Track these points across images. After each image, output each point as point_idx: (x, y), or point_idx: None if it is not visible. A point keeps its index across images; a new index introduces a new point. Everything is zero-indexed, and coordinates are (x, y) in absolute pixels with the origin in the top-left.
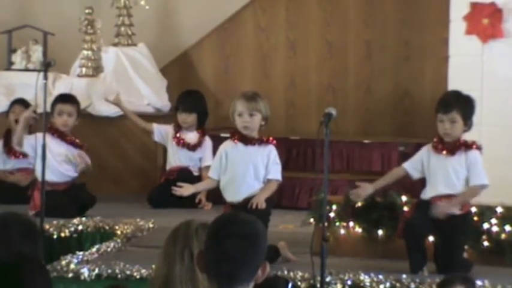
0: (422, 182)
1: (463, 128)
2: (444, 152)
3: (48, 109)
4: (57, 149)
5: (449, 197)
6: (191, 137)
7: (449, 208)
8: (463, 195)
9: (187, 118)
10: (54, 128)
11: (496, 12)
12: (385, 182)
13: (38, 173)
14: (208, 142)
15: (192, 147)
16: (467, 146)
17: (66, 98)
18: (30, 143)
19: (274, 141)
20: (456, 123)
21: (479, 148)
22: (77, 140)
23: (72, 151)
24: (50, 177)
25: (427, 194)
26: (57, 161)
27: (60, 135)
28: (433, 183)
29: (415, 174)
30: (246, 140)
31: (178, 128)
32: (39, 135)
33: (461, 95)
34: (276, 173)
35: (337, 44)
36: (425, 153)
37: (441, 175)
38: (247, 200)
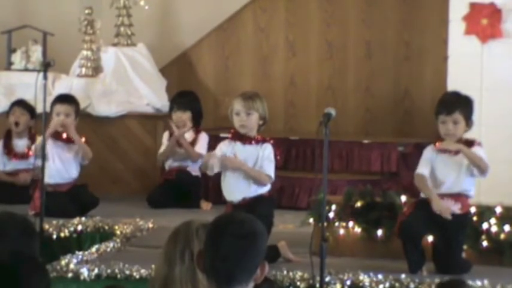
0: None
1: (464, 128)
2: (447, 152)
3: (48, 109)
4: (54, 150)
5: (452, 196)
6: (186, 136)
7: (455, 146)
8: (471, 151)
9: (182, 116)
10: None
11: (495, 13)
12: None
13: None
14: (203, 135)
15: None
16: (469, 143)
17: (64, 98)
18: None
19: (272, 141)
20: (459, 124)
21: (480, 145)
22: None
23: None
24: (50, 179)
25: None
26: (55, 163)
27: (55, 136)
28: (436, 183)
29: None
30: (244, 139)
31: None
32: (40, 138)
33: (461, 95)
34: (267, 168)
35: (337, 44)
36: (430, 153)
37: (445, 174)
38: (246, 200)
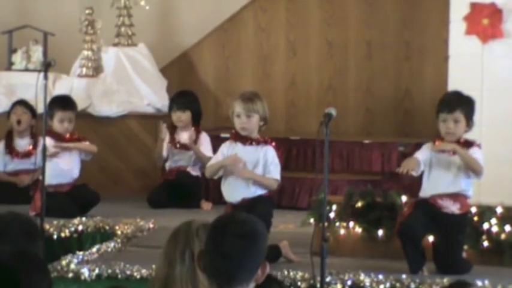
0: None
1: (465, 128)
2: (446, 152)
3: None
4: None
5: (451, 196)
6: (186, 137)
7: (450, 146)
8: (466, 153)
9: (182, 116)
10: (53, 131)
11: (496, 13)
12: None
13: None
14: (204, 136)
15: (188, 147)
16: (469, 144)
17: (66, 105)
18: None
19: (274, 143)
20: (459, 123)
21: (479, 146)
22: (74, 136)
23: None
24: (52, 180)
25: (426, 192)
26: (57, 164)
27: (59, 138)
28: (434, 182)
29: (421, 167)
30: (245, 140)
31: (172, 129)
32: (45, 139)
33: (462, 95)
34: (274, 172)
35: (338, 44)
36: (427, 151)
37: (443, 174)
38: (246, 201)
